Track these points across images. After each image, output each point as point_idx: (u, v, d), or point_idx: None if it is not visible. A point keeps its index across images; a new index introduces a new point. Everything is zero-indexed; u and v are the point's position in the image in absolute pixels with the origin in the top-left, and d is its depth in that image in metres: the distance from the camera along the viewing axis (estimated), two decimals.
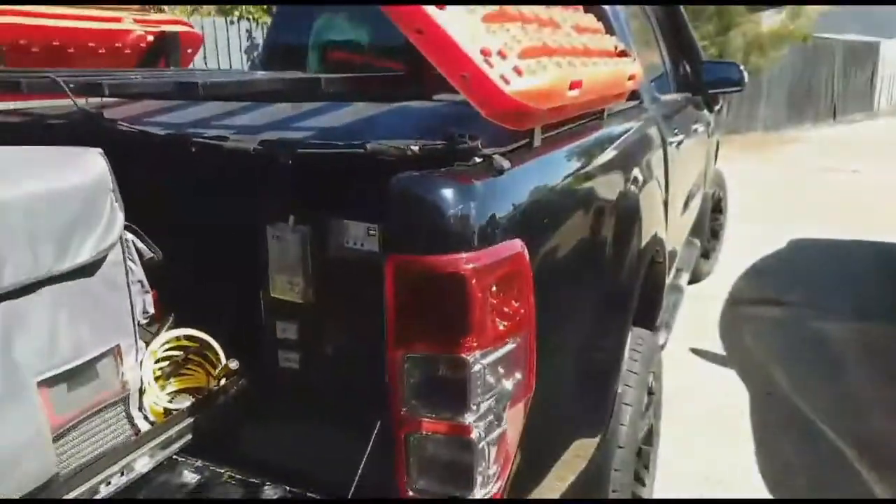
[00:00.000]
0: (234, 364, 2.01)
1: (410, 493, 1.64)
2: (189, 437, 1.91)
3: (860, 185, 10.50)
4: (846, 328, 5.25)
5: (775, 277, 6.40)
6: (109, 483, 1.71)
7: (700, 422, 3.98)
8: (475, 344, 1.51)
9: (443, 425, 1.57)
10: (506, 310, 1.56)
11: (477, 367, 1.51)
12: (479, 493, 1.63)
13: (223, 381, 2.06)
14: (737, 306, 5.72)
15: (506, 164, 1.59)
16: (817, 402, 4.21)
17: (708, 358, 4.83)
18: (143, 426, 1.92)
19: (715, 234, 6.14)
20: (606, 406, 2.34)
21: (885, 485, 3.44)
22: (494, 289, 1.51)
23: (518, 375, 1.64)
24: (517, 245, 1.57)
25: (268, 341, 2.04)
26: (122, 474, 1.75)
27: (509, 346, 1.58)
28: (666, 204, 3.20)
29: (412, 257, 1.47)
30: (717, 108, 4.97)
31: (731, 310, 5.65)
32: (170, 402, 1.99)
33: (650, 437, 2.96)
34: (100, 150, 1.73)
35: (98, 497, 1.67)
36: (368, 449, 1.60)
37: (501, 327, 1.55)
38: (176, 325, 2.10)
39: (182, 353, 2.13)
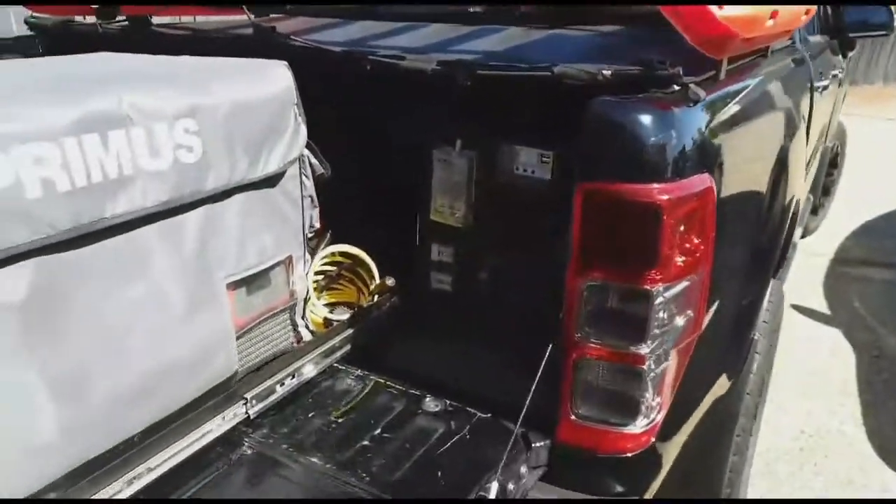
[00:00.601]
0: (390, 281, 2.08)
1: (573, 418, 1.68)
2: (348, 347, 2.01)
3: None
4: None
5: (886, 239, 6.09)
6: (283, 384, 1.82)
7: (804, 378, 3.91)
8: (659, 277, 1.50)
9: (616, 354, 1.59)
10: (688, 246, 1.54)
11: (659, 300, 1.52)
12: (640, 424, 1.66)
13: (377, 298, 2.13)
14: (844, 266, 5.50)
15: (701, 93, 1.54)
16: None
17: (814, 316, 4.69)
18: (305, 335, 2.02)
19: (826, 190, 5.85)
20: (743, 352, 2.32)
21: None
22: (683, 223, 1.50)
23: (690, 313, 1.64)
24: (706, 179, 1.54)
25: (422, 263, 2.09)
26: (293, 377, 1.85)
27: (686, 283, 1.57)
28: (805, 153, 3.07)
29: (605, 185, 1.46)
30: (851, 54, 4.64)
31: (837, 269, 5.44)
32: (330, 313, 2.08)
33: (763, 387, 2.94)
34: (285, 62, 1.77)
35: (272, 397, 1.78)
36: (539, 373, 1.63)
37: (683, 263, 1.54)
38: (332, 242, 2.17)
39: (336, 268, 2.22)
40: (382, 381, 1.92)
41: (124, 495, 1.45)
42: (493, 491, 1.51)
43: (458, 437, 1.69)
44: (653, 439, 1.71)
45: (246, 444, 1.67)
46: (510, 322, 1.90)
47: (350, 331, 2.00)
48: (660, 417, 1.69)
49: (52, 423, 1.35)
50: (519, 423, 1.61)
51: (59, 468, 1.38)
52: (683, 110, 1.51)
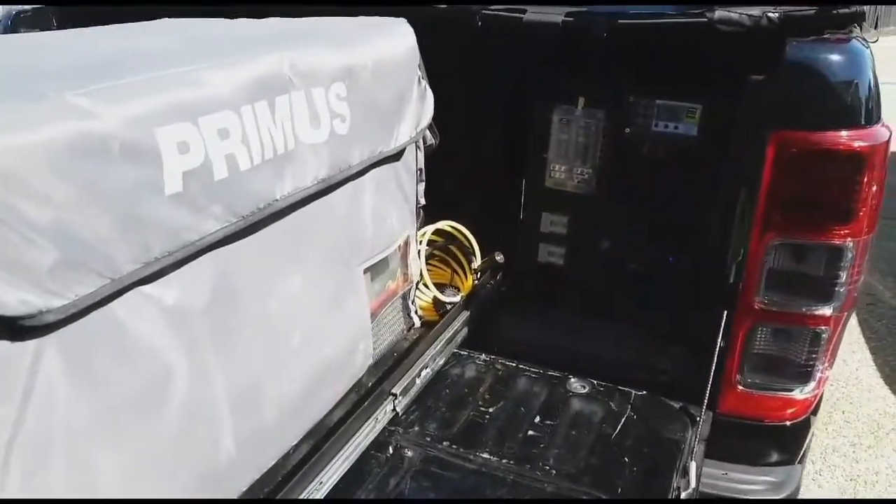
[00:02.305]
0: (500, 257, 1.93)
1: (740, 388, 1.61)
2: (465, 331, 1.85)
3: None
4: None
5: None
6: (420, 376, 1.66)
7: None
8: (849, 232, 1.43)
9: (797, 317, 1.52)
10: (873, 200, 1.47)
11: (848, 257, 1.45)
12: (808, 389, 1.61)
13: (480, 276, 1.98)
14: None
15: (873, 35, 1.47)
16: None
17: None
18: (416, 321, 1.85)
19: None
20: None
21: None
22: (875, 174, 1.42)
23: (859, 274, 1.57)
24: (886, 130, 1.47)
25: (529, 235, 1.96)
26: (427, 367, 1.69)
27: (862, 240, 1.51)
28: None
29: (805, 133, 1.37)
30: None
31: None
32: (444, 296, 1.91)
33: None
34: (404, 19, 1.57)
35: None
36: (717, 344, 1.54)
37: (868, 218, 1.47)
38: (428, 217, 1.99)
39: (429, 247, 2.05)
40: (514, 364, 1.78)
41: None
42: (692, 472, 1.42)
43: (625, 417, 1.58)
44: (814, 405, 1.66)
45: (402, 444, 1.50)
46: (643, 292, 1.80)
47: (466, 313, 1.85)
48: (822, 384, 1.63)
49: (232, 441, 1.15)
50: (705, 403, 1.51)
51: (236, 490, 1.19)
52: (868, 52, 1.43)
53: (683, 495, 1.40)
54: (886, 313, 4.41)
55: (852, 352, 3.93)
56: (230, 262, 1.11)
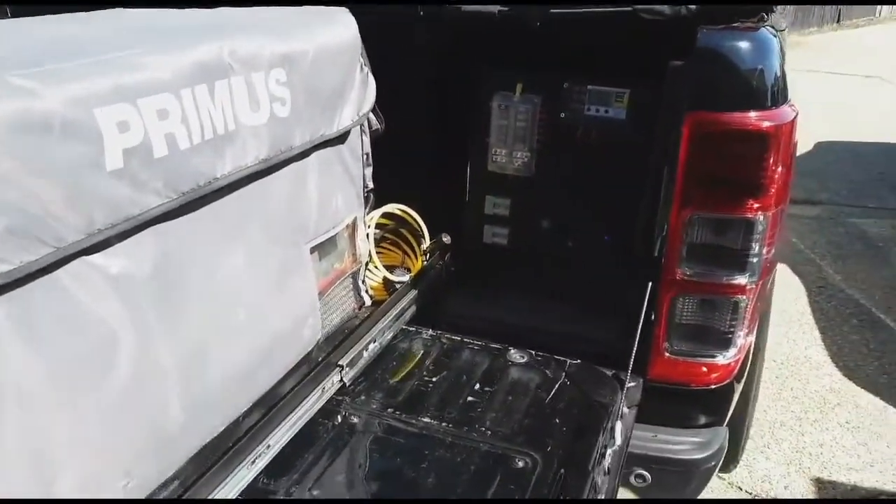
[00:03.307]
0: (447, 239, 2.02)
1: (667, 355, 1.72)
2: (414, 308, 1.94)
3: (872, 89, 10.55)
4: (884, 223, 5.47)
5: (805, 178, 6.55)
6: (367, 350, 1.74)
7: None
8: (759, 206, 1.55)
9: (716, 286, 1.63)
10: (779, 176, 1.59)
11: (759, 229, 1.56)
12: (730, 354, 1.72)
13: (429, 257, 2.08)
14: None
15: (783, 23, 1.58)
16: (871, 291, 4.43)
17: None
18: (366, 299, 1.94)
19: None
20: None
21: None
22: (780, 151, 1.54)
23: (771, 245, 1.69)
24: (792, 111, 1.59)
25: (474, 217, 2.05)
26: (374, 341, 1.78)
27: (772, 213, 1.63)
28: None
29: (716, 115, 1.48)
30: None
31: None
32: (392, 275, 2.00)
33: None
34: (345, 8, 1.65)
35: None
36: (642, 313, 1.64)
37: (776, 193, 1.59)
38: (379, 201, 2.07)
39: (379, 230, 2.13)
40: (458, 338, 1.87)
41: (250, 476, 1.35)
42: (618, 432, 1.52)
43: (559, 384, 1.69)
44: (737, 369, 1.78)
45: (350, 412, 1.59)
46: (580, 269, 1.91)
47: (414, 291, 1.94)
48: (743, 350, 1.75)
49: (179, 406, 1.23)
50: (629, 369, 1.62)
51: (185, 453, 1.27)
52: (776, 40, 1.54)
53: (608, 452, 1.50)
54: (835, 295, 4.58)
55: (802, 332, 4.09)
56: (173, 236, 1.19)
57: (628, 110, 1.77)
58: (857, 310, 4.27)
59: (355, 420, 1.57)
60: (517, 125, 1.90)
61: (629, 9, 1.60)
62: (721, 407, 1.82)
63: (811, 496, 2.84)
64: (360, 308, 1.93)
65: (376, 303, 1.97)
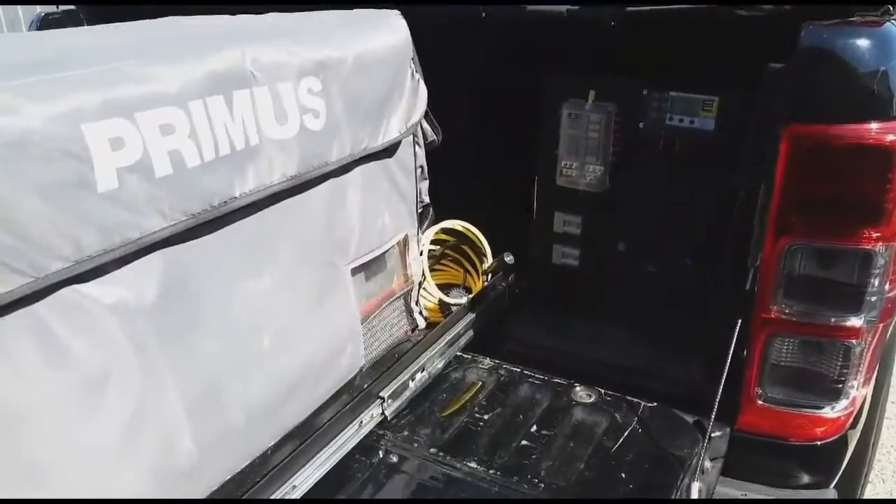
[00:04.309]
0: (509, 258, 1.84)
1: (760, 403, 1.46)
2: (471, 333, 1.78)
3: None
4: None
5: None
6: (414, 379, 1.60)
7: None
8: (879, 235, 1.27)
9: (821, 328, 1.36)
10: None
11: (880, 263, 1.29)
12: (839, 407, 1.45)
13: (491, 277, 1.91)
14: None
15: None
16: None
17: None
18: (420, 322, 1.79)
19: None
20: None
21: None
22: None
23: (893, 282, 1.40)
24: None
25: (542, 235, 1.86)
26: (423, 370, 1.64)
27: None
28: None
29: (823, 127, 1.22)
30: None
31: None
32: (447, 296, 1.85)
33: None
34: (397, 11, 1.52)
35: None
36: (729, 355, 1.40)
37: None
38: (437, 216, 1.93)
39: (439, 247, 1.99)
40: (518, 369, 1.69)
41: None
42: (694, 492, 1.30)
43: (629, 430, 1.47)
44: (848, 424, 1.49)
45: (389, 449, 1.45)
46: (659, 297, 1.68)
47: (472, 315, 1.78)
48: (859, 399, 1.47)
49: (191, 443, 1.13)
50: (713, 416, 1.38)
51: (198, 491, 1.17)
52: None
53: None
54: None
55: None
56: (183, 261, 1.09)
57: (717, 120, 1.52)
58: None
59: (394, 459, 1.43)
60: (589, 136, 1.69)
61: (716, 5, 1.37)
62: (828, 466, 1.53)
63: None
64: (413, 331, 1.78)
65: (431, 325, 1.82)
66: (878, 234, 1.27)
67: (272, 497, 1.25)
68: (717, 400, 1.37)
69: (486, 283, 1.88)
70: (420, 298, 1.82)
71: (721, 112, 1.52)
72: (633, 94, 1.62)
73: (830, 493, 1.56)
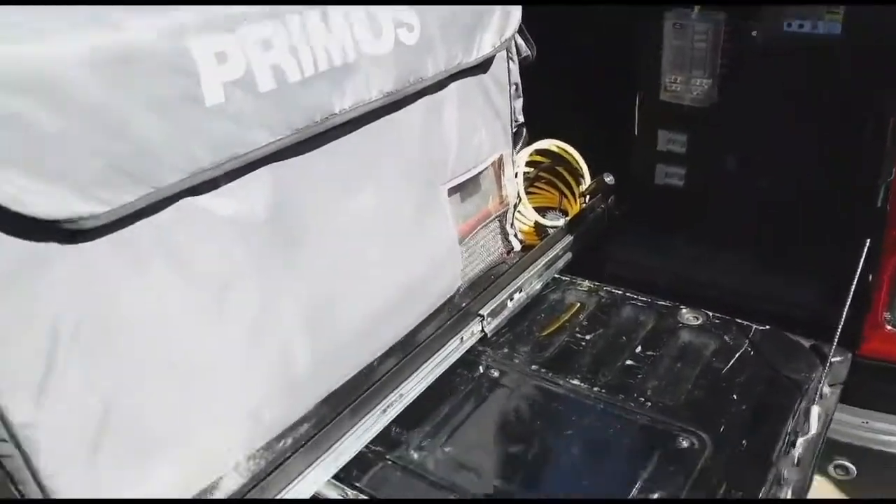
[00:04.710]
0: (609, 179, 1.79)
1: (888, 329, 1.37)
2: (569, 255, 1.76)
3: None
4: None
5: None
6: (512, 299, 1.60)
7: None
8: None
9: None
10: None
11: None
12: None
13: (589, 199, 1.86)
14: None
15: None
16: None
17: None
18: (515, 244, 1.78)
19: None
20: None
21: None
22: None
23: None
24: None
25: (644, 154, 1.79)
26: (520, 290, 1.63)
27: None
28: None
29: None
30: None
31: None
32: (545, 220, 1.83)
33: None
34: None
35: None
36: (857, 275, 1.31)
37: None
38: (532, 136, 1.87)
39: (533, 169, 1.95)
40: (620, 291, 1.66)
41: (380, 425, 1.29)
42: (814, 417, 1.24)
43: (740, 352, 1.42)
44: None
45: (490, 364, 1.47)
46: (774, 216, 1.58)
47: (570, 237, 1.75)
48: None
49: (306, 353, 1.19)
50: (836, 341, 1.30)
51: (314, 398, 1.24)
52: None
53: (800, 441, 1.23)
54: None
55: None
56: (291, 176, 1.12)
57: (845, 25, 1.38)
58: None
59: (495, 374, 1.46)
60: (696, 47, 1.58)
61: None
62: None
63: None
64: (508, 253, 1.78)
65: (527, 248, 1.81)
66: None
67: (383, 404, 1.29)
68: (841, 325, 1.29)
69: (584, 205, 1.84)
70: (515, 221, 1.80)
71: (850, 15, 1.37)
72: None
73: None
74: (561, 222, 1.81)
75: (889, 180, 1.29)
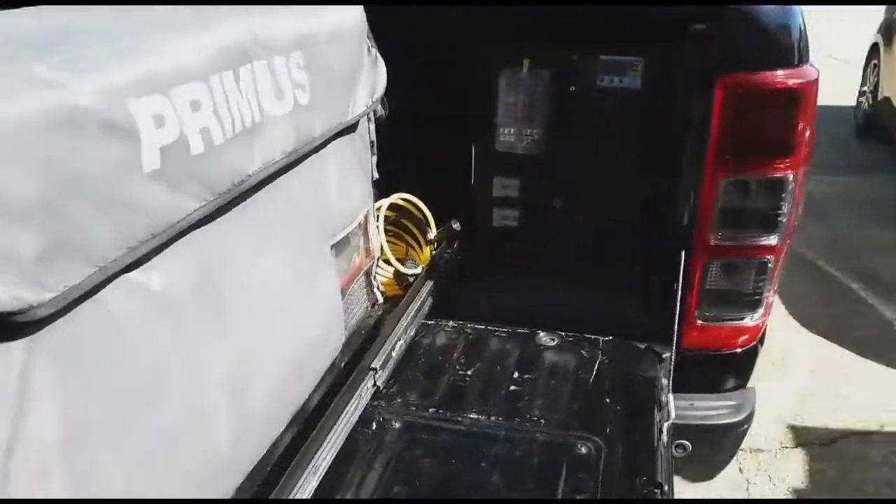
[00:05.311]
0: (457, 226, 1.93)
1: (700, 323, 1.69)
2: (430, 301, 1.85)
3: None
4: (823, 181, 5.70)
5: None
6: (395, 349, 1.64)
7: None
8: (789, 164, 1.53)
9: (748, 249, 1.61)
10: (807, 133, 1.57)
11: (789, 189, 1.55)
12: (757, 315, 1.72)
13: (437, 246, 1.98)
14: None
15: None
16: (814, 246, 4.57)
17: None
18: (379, 296, 1.83)
19: None
20: None
21: (892, 307, 3.88)
22: (809, 110, 1.52)
23: (797, 205, 1.68)
24: (814, 69, 1.57)
25: (482, 200, 1.97)
26: (400, 339, 1.68)
27: (801, 172, 1.61)
28: None
29: (750, 75, 1.44)
30: None
31: None
32: (405, 268, 1.89)
33: None
34: None
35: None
36: (679, 283, 1.61)
37: (805, 151, 1.57)
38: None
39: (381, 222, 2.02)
40: (482, 326, 1.79)
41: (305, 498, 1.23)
42: (671, 405, 1.48)
43: (598, 363, 1.64)
44: (763, 329, 1.77)
45: (388, 417, 1.49)
46: (603, 245, 1.86)
47: (430, 283, 1.85)
48: (770, 307, 1.75)
49: (228, 428, 1.11)
50: (674, 341, 1.58)
51: (234, 480, 1.14)
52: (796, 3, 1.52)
53: (665, 427, 1.46)
54: None
55: None
56: (211, 243, 1.06)
57: (643, 78, 1.72)
58: (804, 264, 4.39)
59: (397, 425, 1.47)
60: (526, 101, 1.82)
61: None
62: (747, 368, 1.81)
63: (789, 444, 2.93)
64: (373, 306, 1.82)
65: (387, 299, 1.87)
66: (789, 164, 1.52)
67: (299, 483, 1.24)
68: (676, 326, 1.57)
69: (434, 252, 1.95)
70: (377, 273, 1.85)
71: (647, 71, 1.71)
72: (565, 59, 1.77)
73: (751, 392, 1.85)
74: (419, 270, 1.90)
75: (691, 202, 1.62)
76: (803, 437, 2.93)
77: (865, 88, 6.66)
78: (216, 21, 1.07)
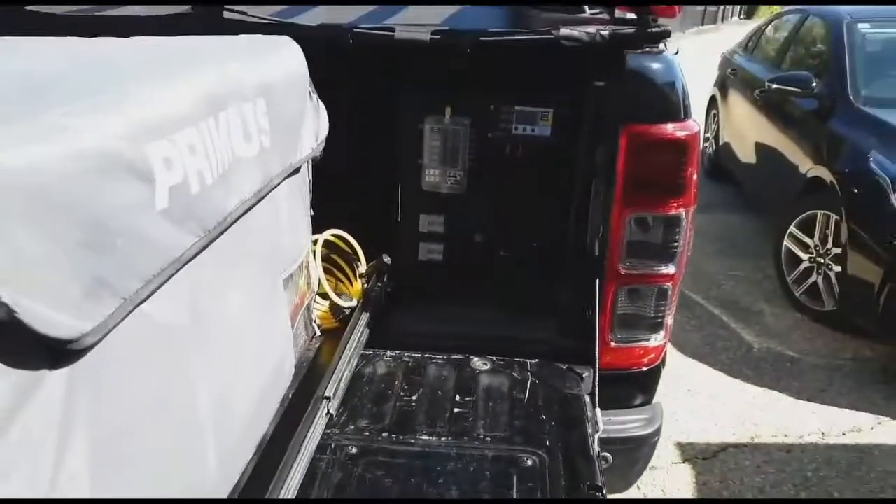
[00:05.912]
0: (387, 259, 2.04)
1: (613, 344, 1.91)
2: (367, 332, 1.94)
3: None
4: None
5: None
6: (343, 378, 1.71)
7: None
8: (682, 203, 1.79)
9: (651, 276, 1.85)
10: (693, 178, 1.85)
11: (683, 224, 1.81)
12: (660, 336, 1.96)
13: (368, 279, 2.08)
14: None
15: (674, 49, 1.85)
16: None
17: None
18: (316, 329, 1.89)
19: None
20: None
21: (751, 331, 4.39)
22: (694, 157, 1.80)
23: (689, 238, 1.94)
24: (696, 123, 1.85)
25: (408, 236, 2.10)
26: (348, 369, 1.75)
27: (692, 210, 1.88)
28: None
29: (648, 127, 1.69)
30: None
31: None
32: (341, 300, 1.97)
33: None
34: (289, 37, 1.63)
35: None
36: (596, 310, 1.81)
37: (693, 191, 1.84)
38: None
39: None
40: (419, 354, 1.91)
41: None
42: (599, 418, 1.67)
43: (529, 383, 1.80)
44: (665, 349, 2.02)
45: (343, 444, 1.55)
46: (519, 276, 2.04)
47: (366, 315, 1.94)
48: (670, 329, 2.00)
49: (214, 455, 1.14)
50: (596, 362, 1.77)
51: None
52: (678, 61, 1.81)
53: (596, 438, 1.63)
54: None
55: None
56: (198, 277, 1.11)
57: (553, 127, 1.94)
58: None
59: (354, 450, 1.54)
60: (448, 145, 1.99)
61: (552, 37, 1.77)
62: (654, 385, 2.05)
63: (678, 459, 3.25)
64: (311, 339, 1.88)
65: (324, 332, 1.93)
66: (681, 203, 1.79)
67: None
68: (596, 347, 1.76)
69: (365, 286, 2.05)
70: (313, 307, 1.92)
71: (555, 121, 1.94)
72: (484, 108, 1.96)
73: (659, 406, 2.08)
74: (354, 303, 1.99)
75: (600, 235, 1.84)
76: (688, 453, 3.23)
77: (709, 135, 7.50)
78: (200, 68, 1.15)
